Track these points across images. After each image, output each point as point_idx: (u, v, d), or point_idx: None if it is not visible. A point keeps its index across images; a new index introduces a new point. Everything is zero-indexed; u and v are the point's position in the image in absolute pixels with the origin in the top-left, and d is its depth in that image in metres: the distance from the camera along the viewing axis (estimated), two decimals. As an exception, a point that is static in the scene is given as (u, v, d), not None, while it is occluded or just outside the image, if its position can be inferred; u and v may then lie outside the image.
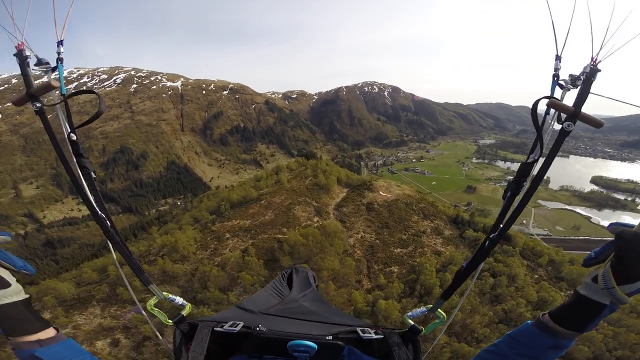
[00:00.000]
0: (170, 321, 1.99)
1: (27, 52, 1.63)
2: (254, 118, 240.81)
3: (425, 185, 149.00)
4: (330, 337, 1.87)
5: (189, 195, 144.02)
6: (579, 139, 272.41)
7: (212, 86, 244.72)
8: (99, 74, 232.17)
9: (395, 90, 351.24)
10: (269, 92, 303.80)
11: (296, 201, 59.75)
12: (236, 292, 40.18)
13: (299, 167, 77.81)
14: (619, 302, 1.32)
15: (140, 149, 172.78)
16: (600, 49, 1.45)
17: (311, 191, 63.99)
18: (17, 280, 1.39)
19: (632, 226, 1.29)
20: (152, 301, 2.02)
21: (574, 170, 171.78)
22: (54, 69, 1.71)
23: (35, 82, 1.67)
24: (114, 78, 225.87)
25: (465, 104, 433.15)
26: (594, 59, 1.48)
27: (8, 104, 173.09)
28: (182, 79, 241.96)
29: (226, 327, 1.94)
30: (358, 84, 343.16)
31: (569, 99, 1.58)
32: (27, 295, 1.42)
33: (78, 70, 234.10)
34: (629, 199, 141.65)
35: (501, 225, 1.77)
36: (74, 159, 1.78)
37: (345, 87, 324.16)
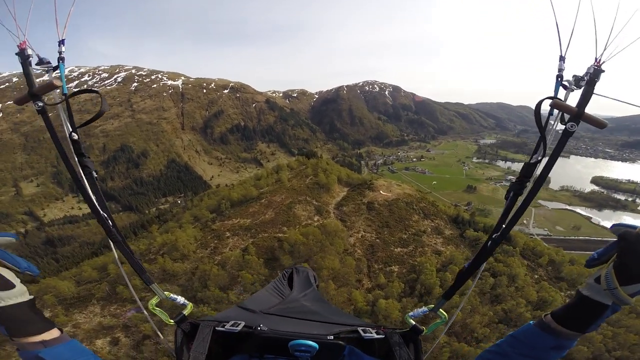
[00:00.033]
0: (172, 321, 1.99)
1: (29, 51, 1.63)
2: (255, 117, 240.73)
3: (425, 185, 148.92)
4: (332, 337, 1.86)
5: (190, 193, 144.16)
6: (579, 139, 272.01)
7: (212, 85, 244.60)
8: (100, 72, 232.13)
9: (396, 89, 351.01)
10: (269, 90, 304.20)
11: (296, 200, 59.76)
12: (236, 291, 40.22)
13: (299, 166, 77.80)
14: (621, 302, 1.32)
15: (141, 148, 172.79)
16: (604, 49, 1.45)
17: (311, 190, 63.99)
18: (21, 281, 1.39)
19: (635, 227, 1.29)
20: (154, 301, 2.01)
21: (574, 171, 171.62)
22: (55, 68, 1.71)
23: (37, 80, 1.67)
24: (115, 76, 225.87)
25: (466, 103, 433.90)
26: (597, 60, 1.47)
27: (9, 102, 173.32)
28: (182, 78, 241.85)
29: (227, 326, 1.93)
30: (359, 83, 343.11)
31: (572, 99, 1.58)
32: (32, 296, 1.43)
33: (79, 69, 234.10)
34: (630, 199, 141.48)
35: (504, 226, 1.77)
36: (76, 159, 1.78)
37: (346, 86, 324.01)
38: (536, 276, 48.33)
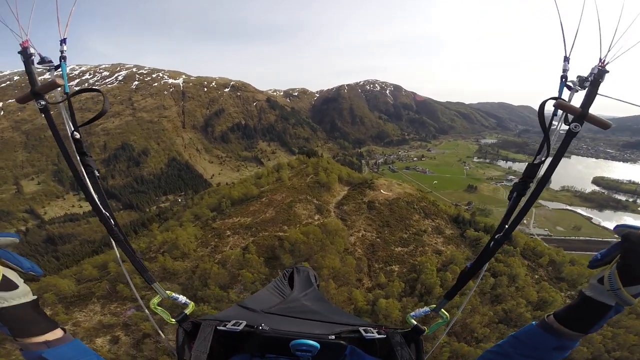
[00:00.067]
0: (173, 320, 1.99)
1: (31, 50, 1.63)
2: (255, 115, 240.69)
3: (426, 184, 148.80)
4: (333, 337, 1.86)
5: (190, 192, 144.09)
6: (581, 140, 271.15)
7: (213, 83, 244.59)
8: (101, 70, 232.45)
9: (397, 88, 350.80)
10: (270, 89, 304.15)
11: (297, 199, 59.78)
12: (236, 289, 40.24)
13: (300, 165, 77.83)
14: (624, 303, 1.32)
15: (142, 146, 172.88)
16: (609, 50, 1.44)
17: (312, 189, 64.00)
18: (24, 281, 1.39)
19: (638, 228, 1.29)
20: (155, 300, 2.01)
21: (575, 171, 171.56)
22: (57, 67, 1.71)
23: (38, 79, 1.67)
24: (116, 75, 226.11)
25: (467, 103, 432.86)
26: (602, 60, 1.46)
27: (10, 100, 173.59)
28: (183, 76, 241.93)
29: (229, 326, 1.93)
30: (360, 82, 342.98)
31: (576, 100, 1.58)
32: (35, 297, 1.42)
33: (80, 67, 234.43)
34: (630, 200, 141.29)
35: (506, 226, 1.76)
36: (78, 158, 1.77)
37: (347, 85, 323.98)
38: (536, 276, 48.32)
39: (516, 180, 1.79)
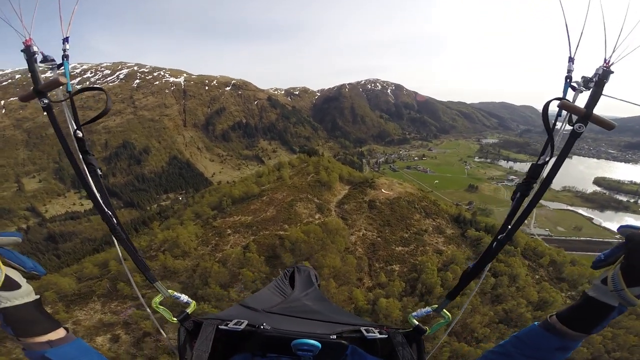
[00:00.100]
0: (175, 319, 1.99)
1: (34, 49, 1.62)
2: (256, 114, 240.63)
3: (427, 184, 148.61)
4: (334, 337, 1.86)
5: (191, 190, 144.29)
6: (582, 140, 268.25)
7: (214, 82, 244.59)
8: (102, 69, 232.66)
9: (398, 88, 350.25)
10: (271, 88, 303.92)
11: (298, 198, 59.77)
12: (237, 288, 40.26)
13: (300, 164, 77.74)
14: (628, 304, 1.32)
15: (143, 144, 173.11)
16: (614, 51, 1.44)
17: (313, 188, 63.97)
18: (27, 281, 1.39)
19: None
20: (157, 299, 2.01)
21: (577, 171, 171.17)
22: (59, 66, 1.71)
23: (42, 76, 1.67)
24: (117, 73, 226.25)
25: (468, 102, 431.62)
26: (606, 61, 1.46)
27: (11, 98, 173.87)
28: (184, 75, 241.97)
29: (230, 325, 1.93)
30: (361, 81, 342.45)
31: (580, 101, 1.57)
32: (38, 296, 1.43)
33: (81, 66, 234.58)
34: (632, 200, 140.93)
35: (509, 227, 1.76)
36: (80, 156, 1.77)
37: (348, 84, 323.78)
38: (537, 276, 48.28)
39: (517, 180, 1.78)
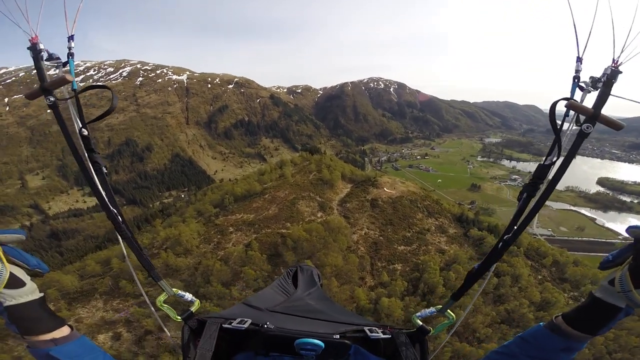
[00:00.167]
0: (179, 317, 1.99)
1: (41, 46, 1.62)
2: (259, 112, 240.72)
3: (429, 183, 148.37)
4: (338, 336, 1.85)
5: (193, 188, 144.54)
6: (586, 140, 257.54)
7: (217, 80, 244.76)
8: (105, 67, 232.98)
9: (401, 86, 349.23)
10: (273, 86, 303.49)
11: (300, 196, 59.80)
12: (239, 287, 40.33)
13: (303, 162, 77.79)
14: (635, 305, 1.31)
15: (145, 142, 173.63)
16: (622, 50, 1.43)
17: (315, 186, 64.00)
18: (31, 279, 1.39)
19: None
20: (162, 297, 2.01)
21: (580, 171, 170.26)
22: (64, 64, 1.71)
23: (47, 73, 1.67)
24: (120, 71, 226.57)
25: (471, 101, 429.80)
26: (615, 61, 1.45)
27: (15, 96, 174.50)
28: (187, 73, 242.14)
29: (234, 323, 1.93)
30: (363, 79, 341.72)
31: (587, 101, 1.56)
32: (42, 294, 1.42)
33: (85, 64, 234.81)
34: (635, 201, 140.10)
35: (515, 227, 1.74)
36: (86, 154, 1.77)
37: (350, 82, 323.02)
38: (540, 277, 48.15)
39: (520, 179, 1.76)
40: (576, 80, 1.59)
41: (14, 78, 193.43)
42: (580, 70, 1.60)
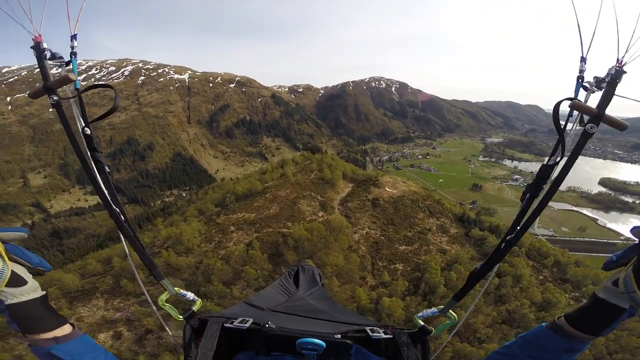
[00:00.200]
0: (181, 317, 1.99)
1: (44, 45, 1.62)
2: (260, 111, 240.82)
3: (430, 182, 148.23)
4: (339, 336, 1.85)
5: (194, 186, 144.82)
6: (589, 140, 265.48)
7: (219, 79, 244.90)
8: (107, 66, 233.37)
9: (402, 86, 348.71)
10: (275, 85, 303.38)
11: (301, 195, 59.80)
12: (239, 286, 40.35)
13: (304, 161, 77.81)
14: (639, 306, 1.29)
15: (147, 141, 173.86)
16: (627, 50, 1.43)
17: (316, 185, 64.00)
18: (33, 277, 1.38)
19: None
20: (164, 296, 2.01)
21: (582, 171, 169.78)
22: (67, 63, 1.71)
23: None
24: (122, 70, 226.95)
25: (473, 101, 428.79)
26: (619, 61, 1.45)
27: (18, 95, 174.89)
28: (189, 72, 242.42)
29: (236, 323, 1.93)
30: (365, 79, 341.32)
31: (590, 101, 1.56)
32: (44, 292, 1.42)
33: (87, 62, 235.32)
34: (637, 201, 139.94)
35: (518, 228, 1.74)
36: (89, 153, 1.77)
37: (352, 82, 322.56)
38: (541, 277, 48.06)
39: (522, 179, 1.75)
40: (580, 80, 1.59)
41: (16, 77, 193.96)
42: (584, 70, 1.60)
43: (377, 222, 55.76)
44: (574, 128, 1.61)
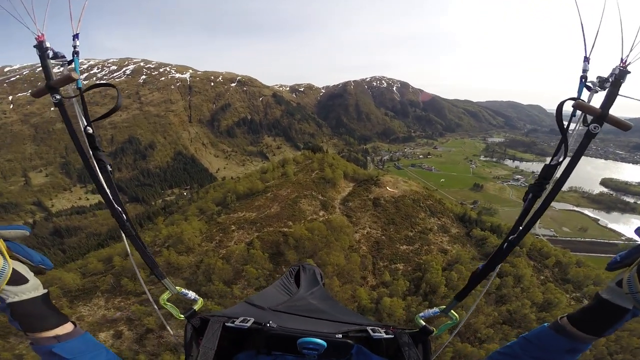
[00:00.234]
0: (182, 316, 1.99)
1: (47, 44, 1.63)
2: (261, 110, 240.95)
3: (431, 182, 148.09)
4: (340, 336, 1.85)
5: (195, 185, 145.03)
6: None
7: (220, 78, 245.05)
8: (109, 65, 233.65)
9: (404, 85, 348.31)
10: (276, 84, 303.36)
11: (302, 194, 59.78)
12: (240, 285, 40.36)
13: (305, 160, 77.77)
14: None
15: (148, 140, 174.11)
16: (631, 50, 1.42)
17: (317, 185, 63.97)
18: (35, 275, 1.38)
19: None
20: (165, 295, 2.02)
21: (584, 172, 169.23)
22: (69, 62, 1.72)
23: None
24: (124, 69, 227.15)
25: (475, 101, 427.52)
26: (623, 60, 1.44)
27: (19, 94, 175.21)
28: (190, 71, 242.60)
29: (237, 322, 1.93)
30: (366, 78, 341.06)
31: (593, 101, 1.55)
32: (45, 290, 1.41)
33: (88, 62, 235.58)
34: (639, 202, 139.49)
35: (521, 228, 1.74)
36: (91, 152, 1.78)
37: (353, 81, 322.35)
38: (542, 277, 47.98)
39: (523, 179, 1.75)
40: (583, 80, 1.58)
41: (18, 76, 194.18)
42: (587, 70, 1.59)
43: (378, 222, 55.73)
44: (577, 128, 1.61)
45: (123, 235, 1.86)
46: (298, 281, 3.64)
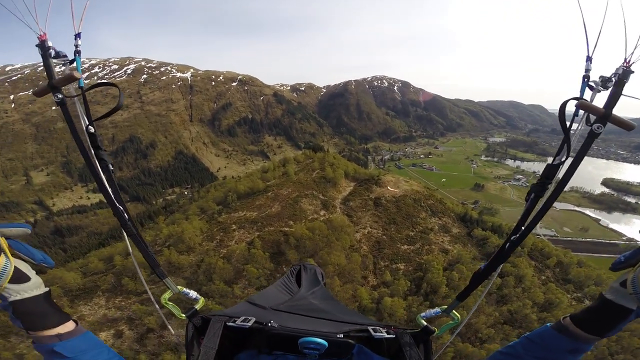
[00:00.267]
0: (184, 315, 1.99)
1: (49, 44, 1.63)
2: (262, 110, 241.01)
3: (432, 182, 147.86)
4: (341, 335, 1.85)
5: (196, 185, 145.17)
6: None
7: (221, 77, 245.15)
8: (110, 64, 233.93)
9: (405, 85, 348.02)
10: (277, 84, 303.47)
11: (303, 194, 59.77)
12: (241, 285, 40.38)
13: (306, 160, 77.76)
14: None
15: (149, 139, 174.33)
16: (634, 50, 1.42)
17: (318, 184, 63.95)
18: (36, 273, 1.37)
19: None
20: (167, 295, 2.02)
21: (585, 172, 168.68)
22: (71, 62, 1.72)
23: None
24: (125, 68, 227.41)
25: (476, 100, 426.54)
26: (627, 60, 1.44)
27: (21, 93, 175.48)
28: (191, 70, 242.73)
29: (238, 322, 1.93)
30: (367, 78, 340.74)
31: (596, 101, 1.55)
32: (47, 289, 1.41)
33: (89, 61, 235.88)
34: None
35: (523, 228, 1.73)
36: (93, 152, 1.78)
37: (354, 80, 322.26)
38: (543, 277, 47.94)
39: (524, 179, 1.74)
40: (586, 79, 1.57)
41: (19, 75, 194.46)
42: (590, 70, 1.58)
43: (379, 222, 55.71)
44: (579, 128, 1.61)
45: (124, 234, 1.87)
46: (299, 281, 3.64)
